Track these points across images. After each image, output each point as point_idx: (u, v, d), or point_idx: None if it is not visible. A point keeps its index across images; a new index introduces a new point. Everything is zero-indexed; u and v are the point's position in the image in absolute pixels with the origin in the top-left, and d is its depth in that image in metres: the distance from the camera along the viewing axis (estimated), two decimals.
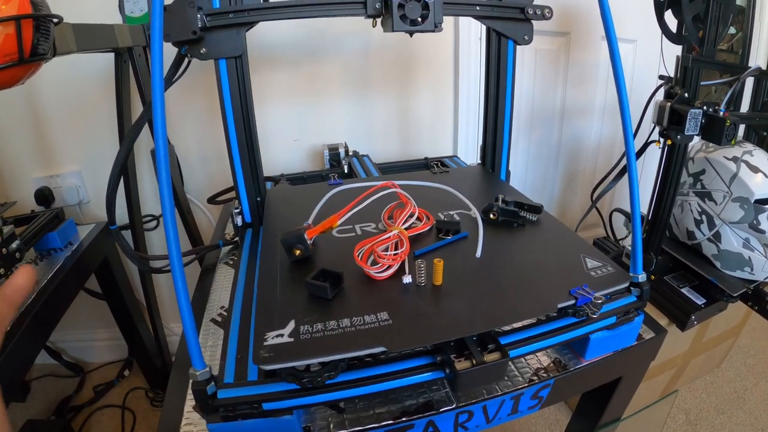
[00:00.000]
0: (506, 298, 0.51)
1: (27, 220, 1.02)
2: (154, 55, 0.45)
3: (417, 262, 0.51)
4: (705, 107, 0.89)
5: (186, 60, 0.73)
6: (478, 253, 0.58)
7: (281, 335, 0.46)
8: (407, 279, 0.52)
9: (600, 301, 0.53)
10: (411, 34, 0.67)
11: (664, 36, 0.95)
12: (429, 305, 0.50)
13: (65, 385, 1.41)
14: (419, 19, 0.65)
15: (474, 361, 0.46)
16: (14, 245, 0.84)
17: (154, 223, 1.25)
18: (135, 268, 1.25)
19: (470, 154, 1.40)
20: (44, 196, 1.22)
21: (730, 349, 1.40)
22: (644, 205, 1.07)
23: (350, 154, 1.15)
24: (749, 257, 0.98)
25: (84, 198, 1.27)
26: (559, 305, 0.51)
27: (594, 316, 0.53)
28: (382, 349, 0.44)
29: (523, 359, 0.61)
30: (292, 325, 0.47)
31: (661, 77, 0.98)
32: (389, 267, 0.53)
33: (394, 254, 0.54)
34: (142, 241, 1.16)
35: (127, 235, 1.18)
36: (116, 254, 1.17)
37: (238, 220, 0.80)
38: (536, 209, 0.67)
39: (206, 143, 1.24)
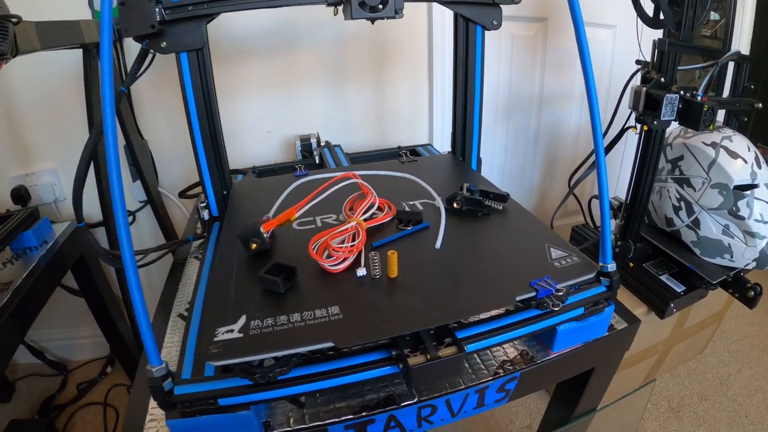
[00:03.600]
0: (463, 291, 0.50)
1: (2, 219, 1.00)
2: (103, 56, 0.43)
3: (371, 254, 0.50)
4: (682, 92, 0.87)
5: (150, 55, 0.72)
6: (438, 244, 0.57)
7: (231, 330, 0.45)
8: (361, 272, 0.51)
9: (562, 293, 0.52)
10: (372, 21, 0.65)
11: (640, 20, 0.93)
12: (382, 298, 0.49)
13: (49, 384, 1.40)
14: (379, 6, 0.63)
15: (428, 356, 0.45)
16: None
17: (129, 218, 1.23)
18: None
19: (446, 142, 1.38)
20: (20, 195, 1.20)
21: (713, 336, 1.40)
22: (623, 192, 1.06)
23: (322, 144, 1.13)
24: (729, 244, 0.97)
25: (60, 196, 1.25)
26: (518, 298, 0.50)
27: (556, 309, 0.52)
28: (330, 344, 0.43)
29: (488, 351, 0.60)
30: (243, 320, 0.46)
31: (637, 62, 0.97)
32: (344, 260, 0.52)
33: (350, 246, 0.52)
34: (117, 237, 1.14)
35: (103, 232, 1.17)
36: (91, 249, 1.15)
37: (205, 214, 0.79)
38: (502, 198, 0.66)
39: (180, 137, 1.22)
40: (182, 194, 1.02)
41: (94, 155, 0.88)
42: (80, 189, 0.75)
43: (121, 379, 1.38)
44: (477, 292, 0.50)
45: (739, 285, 1.01)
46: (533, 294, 0.51)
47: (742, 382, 1.31)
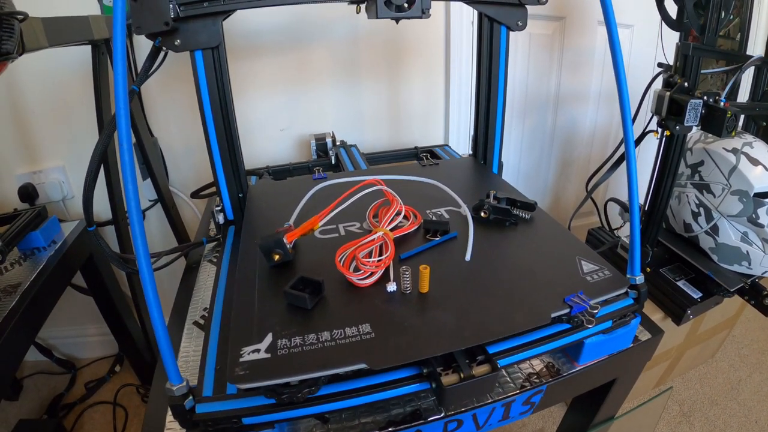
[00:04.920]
0: (496, 307, 0.49)
1: (10, 219, 0.98)
2: (116, 54, 0.42)
3: (402, 268, 0.49)
4: (705, 97, 0.85)
5: (162, 52, 0.70)
6: (468, 256, 0.55)
7: (258, 350, 0.44)
8: (391, 287, 0.49)
9: (596, 310, 0.50)
10: (397, 21, 0.63)
11: (663, 22, 0.91)
12: (414, 316, 0.47)
13: (57, 382, 1.39)
14: (405, 5, 0.61)
15: (462, 375, 0.44)
16: None
17: None
18: None
19: (462, 142, 1.36)
20: (28, 192, 1.18)
21: (724, 340, 1.39)
22: (641, 196, 1.05)
23: (338, 144, 1.11)
24: (747, 251, 0.96)
25: (68, 194, 1.24)
26: (553, 315, 0.48)
27: (590, 326, 0.51)
28: (363, 366, 0.41)
29: (515, 365, 0.59)
30: (269, 339, 0.45)
31: (659, 65, 0.95)
32: (372, 274, 0.50)
33: (378, 260, 0.51)
34: (127, 237, 1.13)
35: (112, 231, 1.15)
36: (101, 251, 1.14)
37: (220, 218, 0.77)
38: (529, 206, 0.64)
39: (191, 134, 1.20)
40: (195, 195, 1.00)
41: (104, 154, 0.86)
42: (91, 191, 0.73)
43: (129, 379, 1.37)
44: (510, 308, 0.49)
45: (755, 292, 1.00)
46: (567, 311, 0.50)
47: (753, 386, 1.30)
